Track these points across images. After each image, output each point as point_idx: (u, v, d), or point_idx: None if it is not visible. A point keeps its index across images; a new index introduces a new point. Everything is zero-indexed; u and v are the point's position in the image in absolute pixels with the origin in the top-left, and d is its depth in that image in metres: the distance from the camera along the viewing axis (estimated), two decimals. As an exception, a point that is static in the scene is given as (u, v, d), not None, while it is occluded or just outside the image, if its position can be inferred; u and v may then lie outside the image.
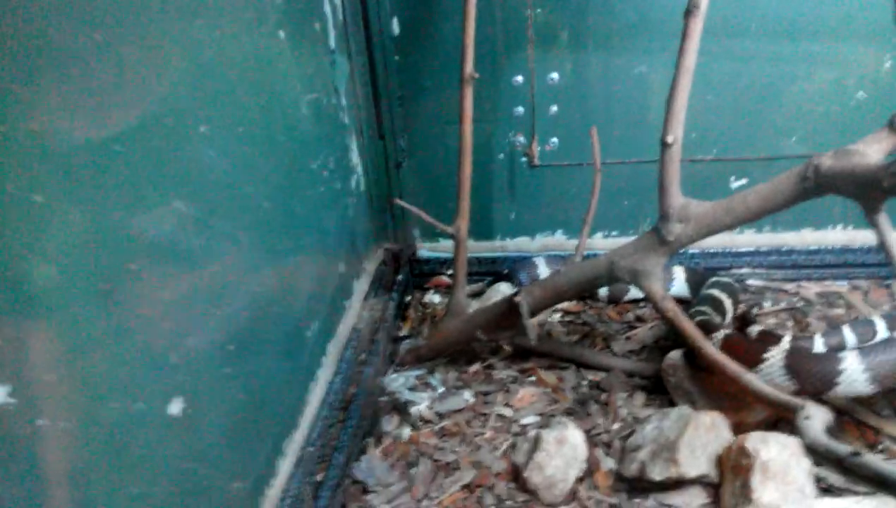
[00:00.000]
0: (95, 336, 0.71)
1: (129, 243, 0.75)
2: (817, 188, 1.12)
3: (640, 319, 1.76)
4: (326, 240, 1.45)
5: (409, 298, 1.95)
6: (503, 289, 1.77)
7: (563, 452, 1.29)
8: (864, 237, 1.75)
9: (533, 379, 1.59)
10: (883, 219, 1.05)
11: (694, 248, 1.81)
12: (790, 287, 1.80)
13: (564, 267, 1.45)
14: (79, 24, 0.69)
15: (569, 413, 1.47)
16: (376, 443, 1.45)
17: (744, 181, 1.74)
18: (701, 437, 1.23)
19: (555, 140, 1.78)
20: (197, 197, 0.87)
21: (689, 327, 1.22)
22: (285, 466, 1.19)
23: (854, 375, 1.23)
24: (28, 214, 0.63)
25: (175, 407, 0.81)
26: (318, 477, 1.26)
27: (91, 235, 0.70)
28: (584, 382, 1.56)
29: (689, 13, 1.17)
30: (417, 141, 1.84)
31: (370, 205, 1.85)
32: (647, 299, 1.31)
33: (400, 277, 1.93)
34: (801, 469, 1.12)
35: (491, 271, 1.94)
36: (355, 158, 1.72)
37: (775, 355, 1.31)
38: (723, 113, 1.65)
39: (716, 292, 1.58)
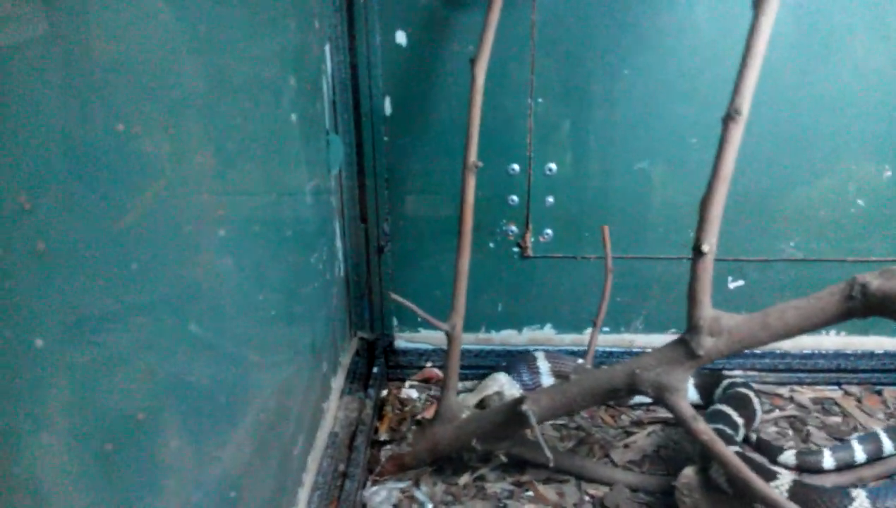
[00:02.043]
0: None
1: (140, 388, 0.58)
2: (865, 309, 1.05)
3: (636, 423, 1.66)
4: (316, 341, 1.29)
5: (385, 393, 1.79)
6: (501, 380, 1.65)
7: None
8: (857, 342, 1.73)
9: (531, 493, 1.45)
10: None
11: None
12: (783, 391, 1.75)
13: (576, 375, 1.33)
14: (89, 112, 0.54)
15: (576, 537, 1.33)
16: (362, 575, 1.26)
17: (740, 282, 1.70)
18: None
19: (549, 231, 1.69)
20: (211, 317, 0.71)
21: (728, 455, 1.12)
22: None
23: None
24: (27, 361, 0.46)
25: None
26: None
27: (98, 385, 0.53)
28: (587, 498, 1.43)
29: (729, 118, 1.11)
30: (402, 225, 1.72)
31: (348, 292, 1.71)
32: (675, 418, 1.21)
33: (376, 370, 1.77)
34: None
35: (474, 365, 1.81)
36: (338, 243, 1.58)
37: (780, 485, 1.23)
38: (723, 214, 1.61)
39: (743, 391, 1.53)
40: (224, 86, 0.75)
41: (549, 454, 1.23)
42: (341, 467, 1.43)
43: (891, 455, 1.41)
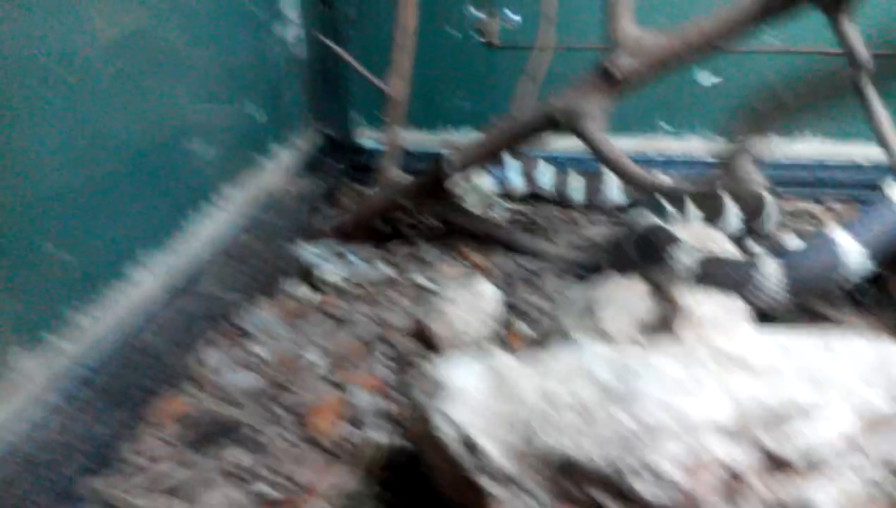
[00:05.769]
0: None
1: None
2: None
3: (591, 223, 1.60)
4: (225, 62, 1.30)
5: (344, 187, 1.79)
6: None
7: (474, 304, 1.13)
8: (839, 152, 1.59)
9: (464, 262, 1.42)
10: (848, 26, 0.90)
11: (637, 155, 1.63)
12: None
13: (498, 121, 1.29)
14: None
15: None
16: (271, 301, 1.28)
17: (717, 80, 1.59)
18: (629, 299, 1.07)
19: (517, 17, 1.61)
20: None
21: (627, 164, 1.07)
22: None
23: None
24: None
25: None
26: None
27: None
28: (518, 268, 1.39)
29: None
30: (368, 8, 1.66)
31: (312, 78, 1.69)
32: (583, 141, 1.15)
33: (341, 166, 1.76)
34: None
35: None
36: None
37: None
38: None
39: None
40: None
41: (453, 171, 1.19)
42: (272, 217, 1.43)
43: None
